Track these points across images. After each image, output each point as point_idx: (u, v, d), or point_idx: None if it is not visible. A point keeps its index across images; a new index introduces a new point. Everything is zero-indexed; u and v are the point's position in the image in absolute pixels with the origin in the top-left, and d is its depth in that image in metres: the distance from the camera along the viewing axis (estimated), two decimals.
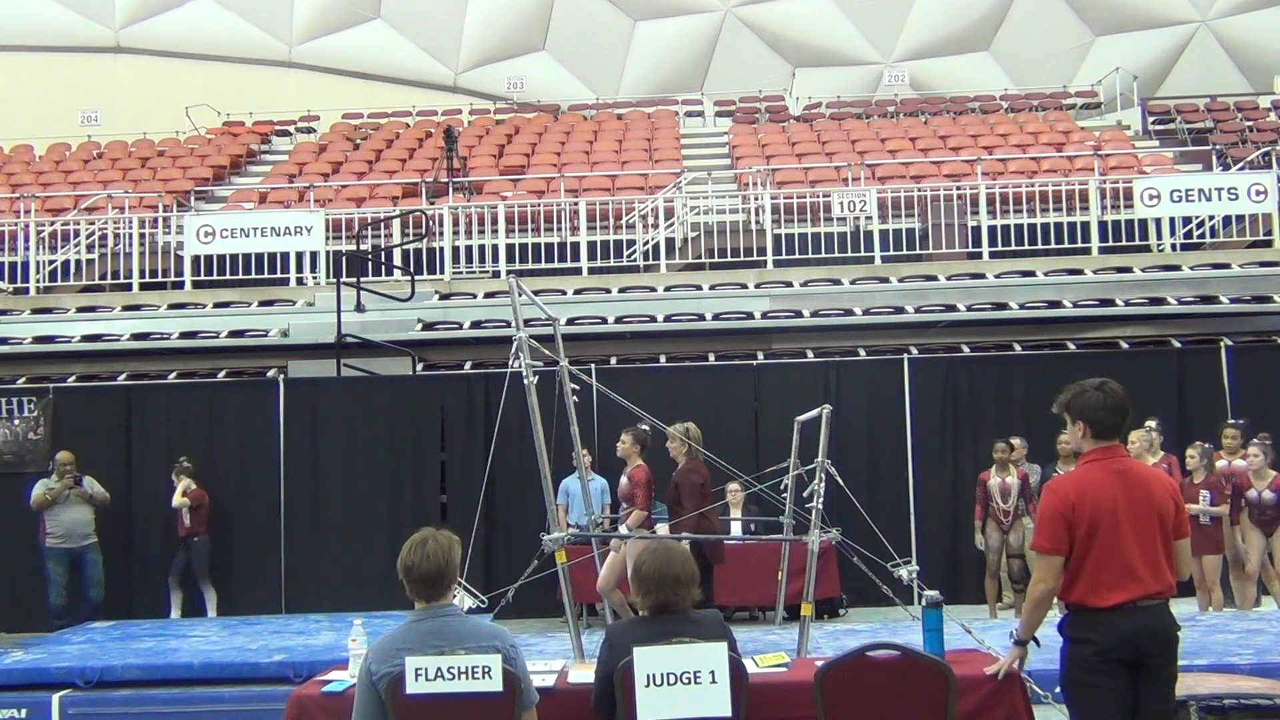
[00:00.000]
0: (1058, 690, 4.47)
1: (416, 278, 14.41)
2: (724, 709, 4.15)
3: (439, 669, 3.99)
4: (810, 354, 12.77)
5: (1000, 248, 14.98)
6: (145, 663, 6.97)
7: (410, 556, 4.12)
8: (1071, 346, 12.85)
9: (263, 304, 14.51)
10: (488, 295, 14.25)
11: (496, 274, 14.95)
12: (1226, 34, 23.39)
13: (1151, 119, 20.72)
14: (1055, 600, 4.39)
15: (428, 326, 13.66)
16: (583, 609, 9.69)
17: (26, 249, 15.53)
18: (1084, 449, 4.33)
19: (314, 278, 15.15)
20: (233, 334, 13.74)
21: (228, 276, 15.14)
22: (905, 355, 11.92)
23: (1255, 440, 9.19)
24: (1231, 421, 9.80)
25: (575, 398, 7.55)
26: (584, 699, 4.47)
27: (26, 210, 16.46)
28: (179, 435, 11.44)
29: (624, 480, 8.65)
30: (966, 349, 12.89)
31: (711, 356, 13.08)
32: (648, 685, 4.12)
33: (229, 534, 11.22)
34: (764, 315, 13.62)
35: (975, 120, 20.47)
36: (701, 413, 10.85)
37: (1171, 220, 15.06)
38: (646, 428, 8.21)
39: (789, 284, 14.40)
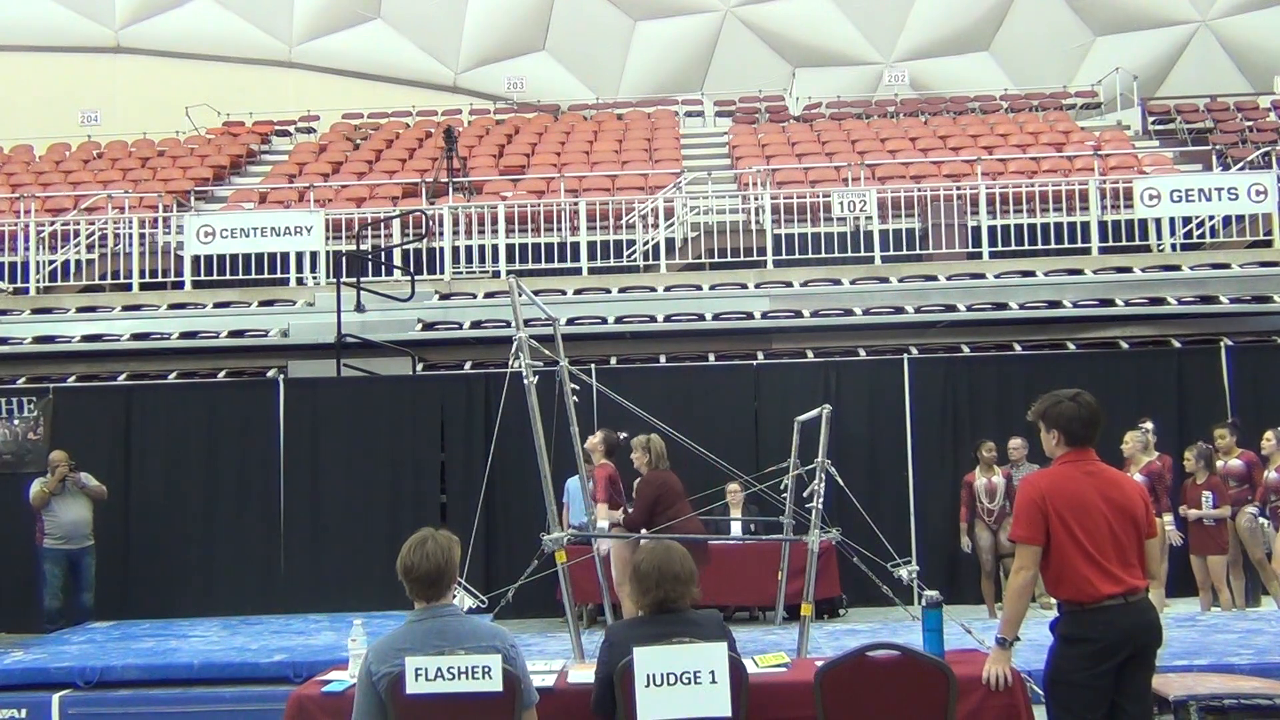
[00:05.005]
0: None
1: (416, 278, 14.42)
2: (724, 709, 4.15)
3: (439, 669, 3.99)
4: (810, 354, 12.77)
5: (1000, 248, 14.98)
6: (145, 663, 6.96)
7: (410, 557, 4.13)
8: (1071, 346, 12.85)
9: (263, 304, 14.50)
10: (488, 295, 14.25)
11: (496, 274, 14.95)
12: (1226, 34, 23.40)
13: (1151, 119, 20.72)
14: (1053, 602, 4.44)
15: (428, 326, 13.66)
16: (583, 610, 9.68)
17: (26, 249, 15.53)
18: (1056, 454, 4.51)
19: (314, 278, 15.14)
20: (233, 334, 13.74)
21: (228, 276, 15.14)
22: (905, 355, 11.91)
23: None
24: (1224, 423, 9.80)
25: (575, 398, 7.56)
26: (584, 699, 4.46)
27: (26, 210, 16.46)
28: (179, 435, 11.44)
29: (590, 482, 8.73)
30: (966, 349, 12.88)
31: (711, 356, 13.08)
32: (648, 685, 4.12)
33: (228, 534, 11.22)
34: (764, 315, 13.61)
35: (975, 120, 20.47)
36: (701, 413, 10.91)
37: (1171, 220, 15.05)
38: (624, 434, 8.32)
39: (789, 284, 14.40)
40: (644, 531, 8.17)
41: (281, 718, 4.82)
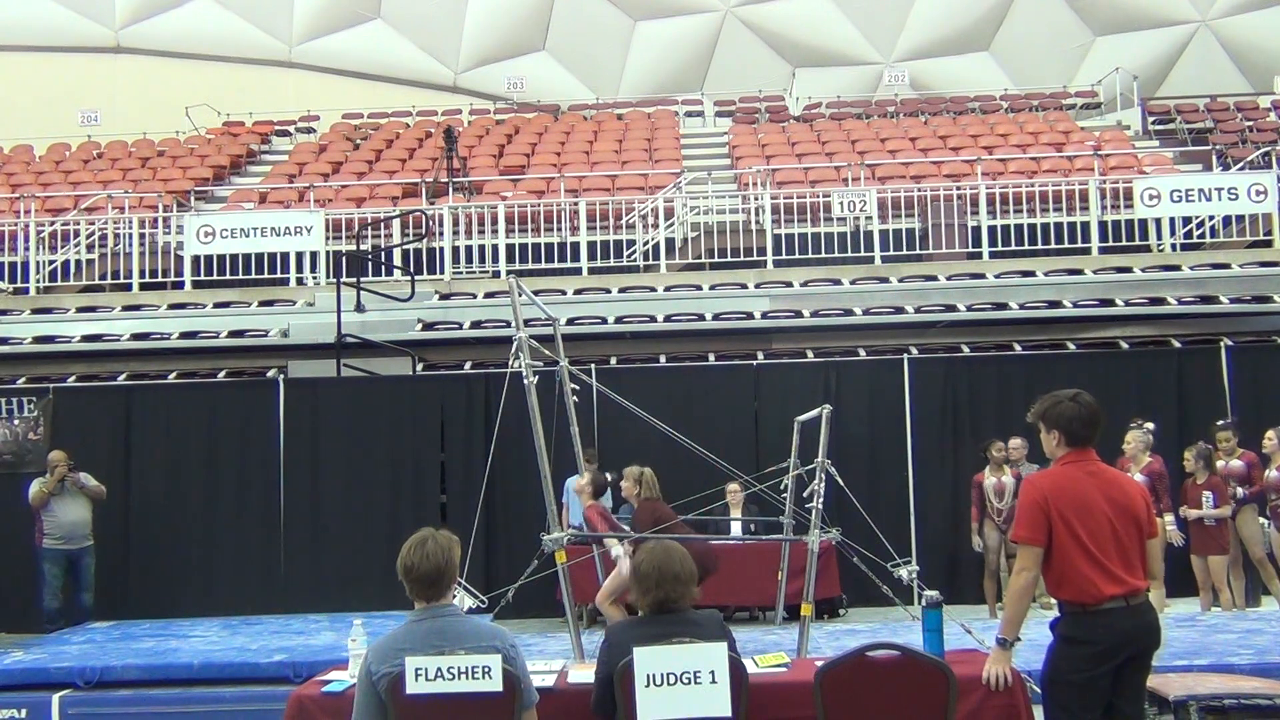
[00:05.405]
0: None
1: (416, 278, 14.41)
2: (724, 709, 4.15)
3: (439, 669, 3.99)
4: (810, 354, 12.77)
5: (1000, 248, 14.98)
6: (145, 663, 6.96)
7: (410, 557, 4.13)
8: (1071, 346, 12.84)
9: (263, 304, 14.50)
10: (488, 295, 14.24)
11: (496, 274, 14.95)
12: (1226, 34, 23.40)
13: (1151, 119, 20.72)
14: (1053, 602, 4.45)
15: (428, 326, 13.66)
16: (583, 610, 9.68)
17: (26, 249, 15.53)
18: (1057, 455, 4.51)
19: (314, 278, 15.14)
20: (233, 334, 13.74)
21: (228, 276, 15.14)
22: (905, 355, 11.91)
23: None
24: (1221, 423, 9.80)
25: (575, 398, 7.57)
26: (584, 699, 4.47)
27: (26, 210, 16.46)
28: (179, 435, 11.44)
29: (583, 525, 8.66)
30: (966, 349, 12.88)
31: (711, 356, 13.08)
32: (648, 685, 4.12)
33: (228, 534, 11.22)
34: (764, 315, 13.61)
35: (975, 120, 20.47)
36: (701, 413, 10.91)
37: (1171, 220, 15.05)
38: (610, 475, 8.32)
39: (789, 284, 14.40)
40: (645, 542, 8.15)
41: (281, 718, 4.83)
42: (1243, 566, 9.52)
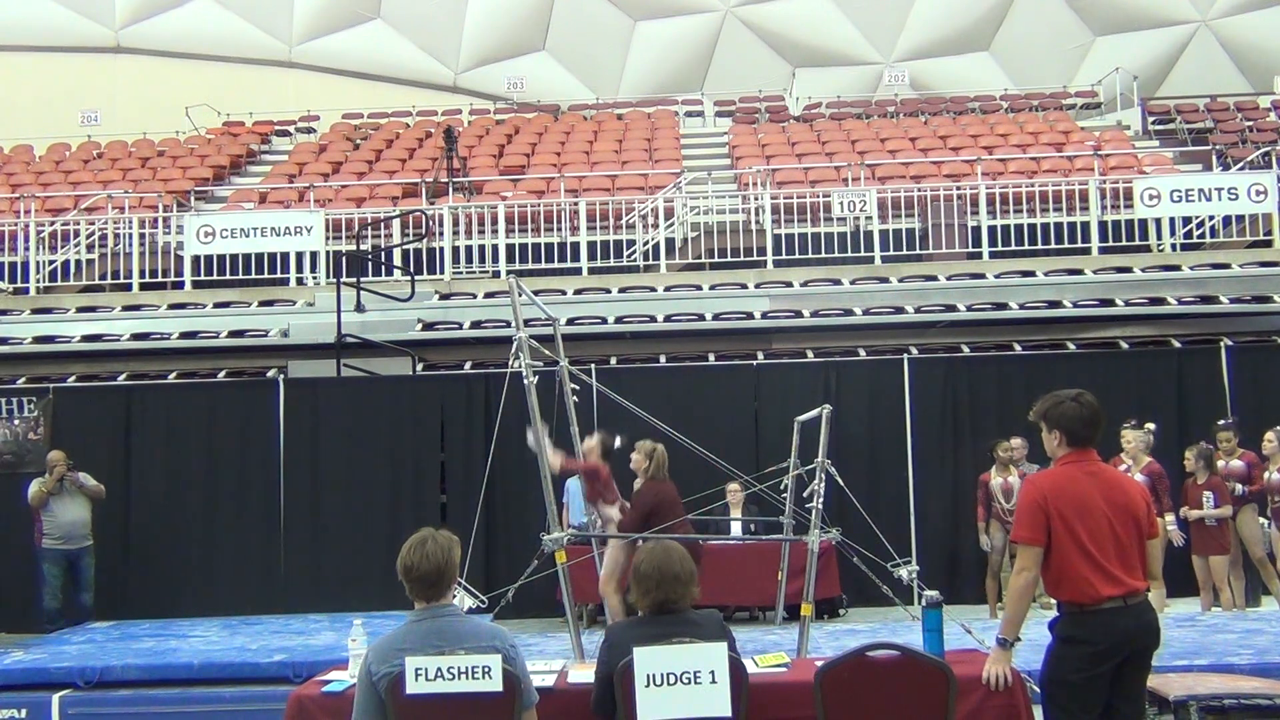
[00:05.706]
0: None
1: (416, 278, 14.41)
2: (724, 709, 4.15)
3: (439, 669, 3.99)
4: (810, 354, 12.77)
5: (1000, 248, 14.98)
6: (145, 663, 6.97)
7: (410, 557, 4.13)
8: (1071, 346, 12.85)
9: (263, 304, 14.51)
10: (488, 295, 14.25)
11: (496, 274, 14.95)
12: (1226, 34, 23.40)
13: (1151, 119, 20.72)
14: (1053, 602, 4.46)
15: (428, 326, 13.66)
16: (583, 610, 9.69)
17: (26, 249, 15.53)
18: (1058, 454, 4.51)
19: (314, 278, 15.14)
20: (233, 334, 13.74)
21: (228, 276, 15.14)
22: (905, 355, 11.91)
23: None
24: (1222, 423, 9.79)
25: (575, 398, 7.58)
26: (584, 699, 4.47)
27: (26, 210, 16.46)
28: (179, 435, 11.44)
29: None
30: (966, 349, 12.88)
31: (711, 356, 13.08)
32: (648, 685, 4.12)
33: (228, 534, 11.22)
34: (764, 315, 13.61)
35: (975, 120, 20.47)
36: (701, 413, 10.91)
37: (1171, 220, 15.05)
38: (618, 440, 8.30)
39: (789, 284, 14.40)
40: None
41: (281, 718, 4.83)
42: (1243, 566, 9.52)
